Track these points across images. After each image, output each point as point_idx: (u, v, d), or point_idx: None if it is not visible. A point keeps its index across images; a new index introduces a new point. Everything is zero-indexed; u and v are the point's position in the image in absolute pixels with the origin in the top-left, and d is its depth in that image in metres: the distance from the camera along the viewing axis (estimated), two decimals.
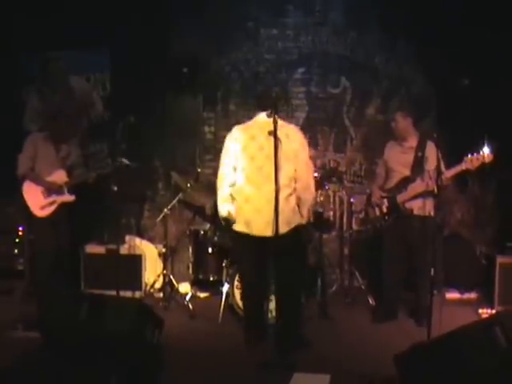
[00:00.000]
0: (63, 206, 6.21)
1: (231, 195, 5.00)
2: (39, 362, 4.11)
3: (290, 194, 4.95)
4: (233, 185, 4.98)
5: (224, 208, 5.00)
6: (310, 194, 5.11)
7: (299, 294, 5.33)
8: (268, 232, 4.73)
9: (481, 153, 5.19)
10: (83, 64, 7.50)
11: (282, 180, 4.77)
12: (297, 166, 4.94)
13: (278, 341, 4.78)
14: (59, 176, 6.19)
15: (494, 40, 6.76)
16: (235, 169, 4.96)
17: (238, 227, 4.97)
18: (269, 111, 4.76)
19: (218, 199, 5.07)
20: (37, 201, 6.11)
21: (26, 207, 6.12)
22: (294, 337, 5.03)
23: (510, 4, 6.67)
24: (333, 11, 7.46)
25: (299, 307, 5.30)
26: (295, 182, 4.96)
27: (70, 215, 6.28)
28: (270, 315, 5.39)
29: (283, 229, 4.75)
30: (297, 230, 4.99)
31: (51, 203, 6.14)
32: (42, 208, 6.11)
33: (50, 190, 6.13)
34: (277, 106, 4.83)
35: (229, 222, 5.04)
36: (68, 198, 6.21)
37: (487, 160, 5.20)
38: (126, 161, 6.00)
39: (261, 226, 4.83)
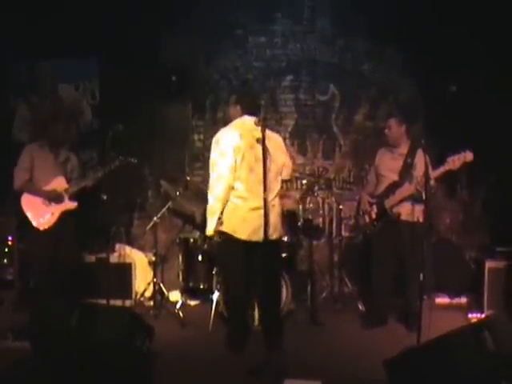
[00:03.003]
0: (66, 215, 6.08)
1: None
2: (29, 371, 4.10)
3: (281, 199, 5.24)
4: (230, 187, 4.96)
5: (213, 222, 5.03)
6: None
7: (280, 297, 5.47)
8: (273, 236, 4.89)
9: (462, 153, 5.26)
10: (72, 72, 7.50)
11: (276, 189, 5.06)
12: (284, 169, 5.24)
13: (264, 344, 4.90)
14: (58, 183, 6.07)
15: (482, 47, 6.81)
16: (233, 170, 4.93)
17: (245, 236, 4.96)
18: (257, 120, 4.79)
19: (210, 204, 5.03)
20: (37, 213, 5.99)
21: (25, 219, 5.99)
22: (275, 339, 5.04)
23: (497, 11, 6.73)
24: (321, 19, 7.49)
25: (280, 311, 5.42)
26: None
27: (74, 224, 6.17)
28: (253, 321, 5.43)
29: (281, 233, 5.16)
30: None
31: (52, 213, 6.01)
32: (43, 219, 5.98)
33: (50, 199, 6.02)
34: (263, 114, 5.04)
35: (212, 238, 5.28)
36: (69, 205, 6.07)
37: (468, 159, 5.27)
38: (128, 159, 6.08)
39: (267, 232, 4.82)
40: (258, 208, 4.82)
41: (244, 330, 5.23)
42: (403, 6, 7.04)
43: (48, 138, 6.13)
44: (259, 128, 4.64)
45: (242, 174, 4.92)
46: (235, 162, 4.89)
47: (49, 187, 6.06)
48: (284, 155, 5.19)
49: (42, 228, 5.98)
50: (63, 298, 6.00)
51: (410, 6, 7.01)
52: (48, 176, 6.08)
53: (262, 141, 4.58)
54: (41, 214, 5.99)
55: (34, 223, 5.97)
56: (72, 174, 6.23)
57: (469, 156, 5.27)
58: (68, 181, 6.13)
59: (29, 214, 5.98)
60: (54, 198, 6.03)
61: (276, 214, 5.04)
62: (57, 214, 6.03)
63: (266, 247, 4.68)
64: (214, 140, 5.01)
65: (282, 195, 5.32)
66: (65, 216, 6.08)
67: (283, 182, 5.38)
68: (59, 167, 6.16)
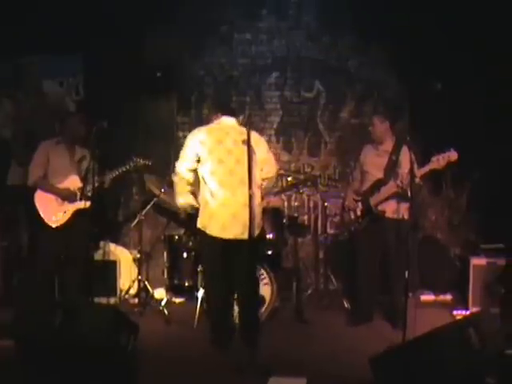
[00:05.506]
0: (78, 214, 5.91)
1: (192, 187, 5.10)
2: (13, 369, 4.08)
3: (262, 198, 5.16)
4: (191, 170, 5.03)
5: (181, 200, 5.17)
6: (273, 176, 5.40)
7: (257, 295, 5.41)
8: (244, 235, 4.72)
9: (446, 152, 5.28)
10: (56, 68, 7.43)
11: (254, 186, 4.82)
12: (264, 165, 5.13)
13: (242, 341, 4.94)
14: (72, 182, 5.94)
15: (468, 45, 6.83)
16: (197, 161, 4.97)
17: (214, 232, 4.94)
18: (240, 119, 4.83)
19: (175, 188, 5.18)
20: (50, 210, 5.87)
21: (37, 216, 5.86)
22: (251, 337, 4.97)
23: (483, 8, 6.74)
24: (306, 16, 7.50)
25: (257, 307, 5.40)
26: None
27: (86, 223, 5.88)
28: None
29: (256, 232, 4.90)
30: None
31: (64, 212, 5.88)
32: (56, 217, 5.86)
33: (63, 198, 5.89)
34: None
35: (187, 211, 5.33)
36: (82, 204, 5.87)
37: (452, 159, 5.29)
38: (143, 160, 6.14)
39: (238, 231, 4.86)
40: (227, 203, 4.85)
41: (227, 327, 5.22)
42: (389, 2, 7.04)
43: (64, 135, 6.02)
44: (238, 128, 4.71)
45: (210, 166, 4.91)
46: (196, 156, 4.94)
47: (62, 185, 5.93)
48: (263, 150, 5.10)
49: (53, 226, 5.88)
50: (68, 296, 5.96)
51: (395, 2, 7.02)
52: (62, 174, 5.94)
53: (248, 139, 4.58)
54: (53, 212, 5.88)
55: (46, 220, 5.86)
56: (88, 171, 6.07)
57: (453, 155, 5.29)
58: (82, 179, 5.98)
59: (41, 211, 5.87)
60: (67, 196, 5.91)
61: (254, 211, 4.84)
62: (69, 213, 5.91)
63: (243, 244, 4.72)
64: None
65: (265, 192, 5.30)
66: (77, 215, 5.94)
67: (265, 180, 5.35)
68: (74, 166, 6.03)
